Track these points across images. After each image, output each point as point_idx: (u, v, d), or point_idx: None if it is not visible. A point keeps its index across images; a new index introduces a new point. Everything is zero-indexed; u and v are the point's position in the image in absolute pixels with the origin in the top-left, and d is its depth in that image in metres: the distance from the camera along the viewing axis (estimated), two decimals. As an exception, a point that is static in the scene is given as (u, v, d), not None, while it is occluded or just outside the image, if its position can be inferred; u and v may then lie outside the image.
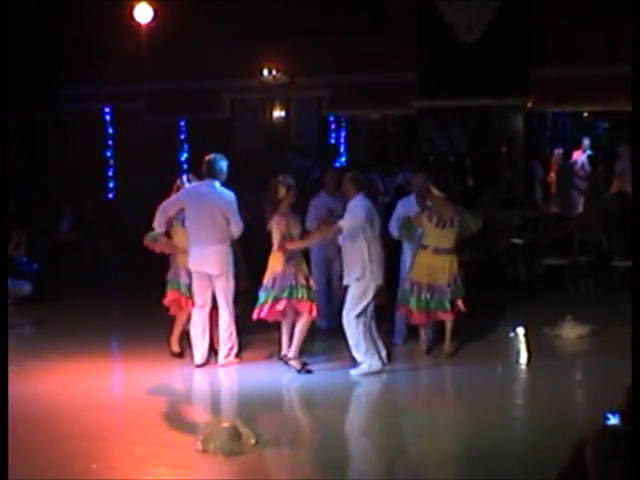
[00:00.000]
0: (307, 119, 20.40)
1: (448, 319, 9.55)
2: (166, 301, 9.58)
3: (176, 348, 9.66)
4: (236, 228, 9.13)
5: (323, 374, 9.03)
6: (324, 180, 11.19)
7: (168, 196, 9.46)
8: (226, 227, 9.11)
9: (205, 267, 9.12)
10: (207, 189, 9.18)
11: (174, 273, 9.53)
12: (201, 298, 9.25)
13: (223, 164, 9.24)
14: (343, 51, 16.83)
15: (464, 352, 9.82)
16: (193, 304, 9.35)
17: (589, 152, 17.54)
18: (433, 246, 9.49)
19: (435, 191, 9.59)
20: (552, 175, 17.91)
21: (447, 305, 9.46)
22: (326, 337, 10.45)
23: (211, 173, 9.19)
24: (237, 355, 9.35)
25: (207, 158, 9.26)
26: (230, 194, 9.19)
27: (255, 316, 8.96)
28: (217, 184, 9.17)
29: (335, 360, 9.48)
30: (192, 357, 9.38)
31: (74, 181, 18.00)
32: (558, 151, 18.22)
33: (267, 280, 8.89)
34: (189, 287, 9.39)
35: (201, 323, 9.27)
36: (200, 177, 9.42)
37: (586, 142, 17.58)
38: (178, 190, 9.51)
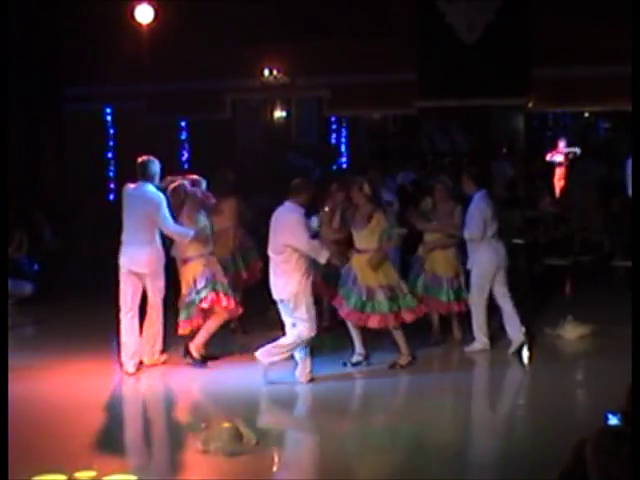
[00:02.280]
0: (308, 119, 20.40)
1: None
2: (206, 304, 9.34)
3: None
4: (164, 228, 9.07)
5: (323, 374, 9.03)
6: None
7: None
8: (155, 228, 9.11)
9: (135, 266, 9.11)
10: (137, 191, 9.21)
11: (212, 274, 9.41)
12: (129, 303, 9.16)
13: (156, 167, 9.28)
14: (344, 51, 16.82)
15: (464, 352, 9.82)
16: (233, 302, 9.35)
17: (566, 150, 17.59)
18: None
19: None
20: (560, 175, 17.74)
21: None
22: (327, 336, 10.44)
23: (144, 176, 9.21)
24: (161, 353, 9.40)
25: (140, 160, 9.29)
26: (157, 195, 9.12)
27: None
28: (149, 186, 9.15)
29: (337, 360, 9.48)
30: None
31: (75, 181, 18.00)
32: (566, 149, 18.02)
33: None
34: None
35: (133, 330, 9.18)
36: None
37: (561, 144, 17.68)
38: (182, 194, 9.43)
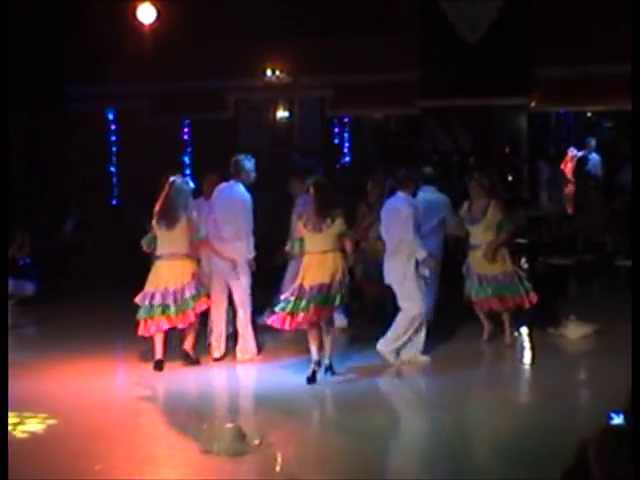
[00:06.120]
0: (311, 119, 20.37)
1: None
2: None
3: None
4: (244, 228, 9.48)
5: (327, 374, 9.02)
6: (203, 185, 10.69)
7: None
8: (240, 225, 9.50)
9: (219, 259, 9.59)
10: (226, 190, 9.69)
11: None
12: (216, 295, 9.58)
13: (245, 164, 9.74)
14: (346, 51, 16.83)
15: (467, 351, 9.81)
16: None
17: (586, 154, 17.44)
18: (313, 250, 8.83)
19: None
20: (569, 176, 17.63)
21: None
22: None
23: (234, 174, 9.68)
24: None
25: (233, 159, 9.73)
26: (244, 194, 9.55)
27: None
28: (239, 185, 9.59)
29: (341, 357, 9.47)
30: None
31: (77, 181, 18.00)
32: (573, 151, 17.87)
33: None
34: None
35: (219, 319, 9.70)
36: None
37: (592, 142, 17.45)
38: None
